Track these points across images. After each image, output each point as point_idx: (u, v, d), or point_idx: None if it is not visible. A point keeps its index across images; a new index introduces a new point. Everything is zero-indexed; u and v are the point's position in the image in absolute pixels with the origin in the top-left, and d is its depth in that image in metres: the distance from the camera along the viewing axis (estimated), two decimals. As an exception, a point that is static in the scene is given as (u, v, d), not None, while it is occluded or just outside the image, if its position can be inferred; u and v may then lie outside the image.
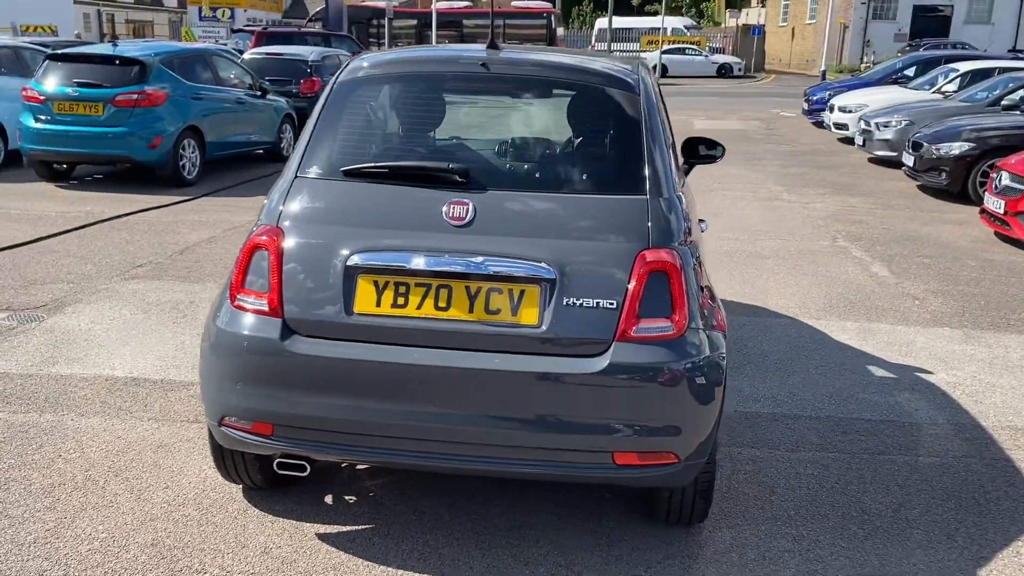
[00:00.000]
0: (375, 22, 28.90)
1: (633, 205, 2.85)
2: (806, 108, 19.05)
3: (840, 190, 11.10)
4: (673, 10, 56.86)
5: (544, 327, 2.68)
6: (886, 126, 12.93)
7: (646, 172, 2.92)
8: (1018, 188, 7.81)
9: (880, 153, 12.97)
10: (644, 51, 40.34)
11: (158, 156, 9.64)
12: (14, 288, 5.89)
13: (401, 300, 2.74)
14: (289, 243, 2.84)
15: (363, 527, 3.12)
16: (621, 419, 2.68)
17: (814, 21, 41.10)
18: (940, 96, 14.61)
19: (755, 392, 4.46)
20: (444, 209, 2.80)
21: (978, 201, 9.25)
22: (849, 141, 14.96)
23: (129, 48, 10.25)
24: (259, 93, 11.65)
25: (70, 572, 2.81)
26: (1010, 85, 12.72)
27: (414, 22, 27.71)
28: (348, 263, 2.77)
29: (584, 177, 2.97)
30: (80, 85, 9.52)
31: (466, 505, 3.27)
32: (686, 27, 45.01)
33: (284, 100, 12.33)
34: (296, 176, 3.01)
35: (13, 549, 2.92)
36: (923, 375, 4.77)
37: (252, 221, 3.02)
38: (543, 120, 3.24)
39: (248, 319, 2.81)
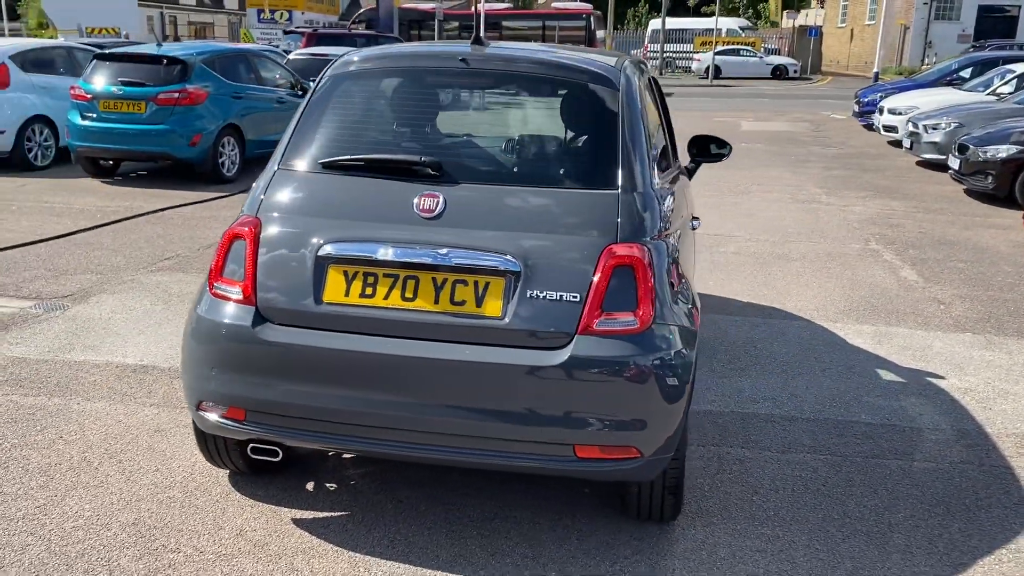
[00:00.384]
0: (424, 24, 29.17)
1: (603, 199, 2.85)
2: (856, 110, 18.68)
3: (882, 193, 10.87)
4: (730, 11, 56.27)
5: (507, 319, 2.71)
6: (935, 128, 12.62)
7: (619, 167, 2.92)
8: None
9: (928, 156, 12.66)
10: (697, 52, 39.99)
11: (198, 153, 9.89)
12: (45, 278, 6.11)
13: (369, 290, 2.78)
14: (265, 233, 2.92)
15: (339, 513, 3.18)
16: (582, 412, 2.69)
17: (873, 22, 40.23)
18: (994, 98, 14.19)
19: (755, 393, 4.41)
20: (415, 201, 2.84)
21: (1024, 206, 9.00)
22: (898, 144, 14.62)
23: (173, 48, 10.51)
24: (300, 93, 11.85)
25: (52, 547, 2.92)
26: (1067, 87, 12.32)
27: (456, 24, 27.90)
28: (319, 253, 2.83)
29: (555, 171, 2.99)
30: (124, 84, 9.82)
31: (444, 496, 3.31)
32: (741, 28, 44.45)
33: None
34: (278, 168, 3.09)
35: (1, 524, 3.04)
36: (934, 380, 4.66)
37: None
38: (519, 115, 3.27)
39: (223, 306, 2.89)
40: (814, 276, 6.77)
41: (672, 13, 52.64)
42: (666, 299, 2.83)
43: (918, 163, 13.41)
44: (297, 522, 3.11)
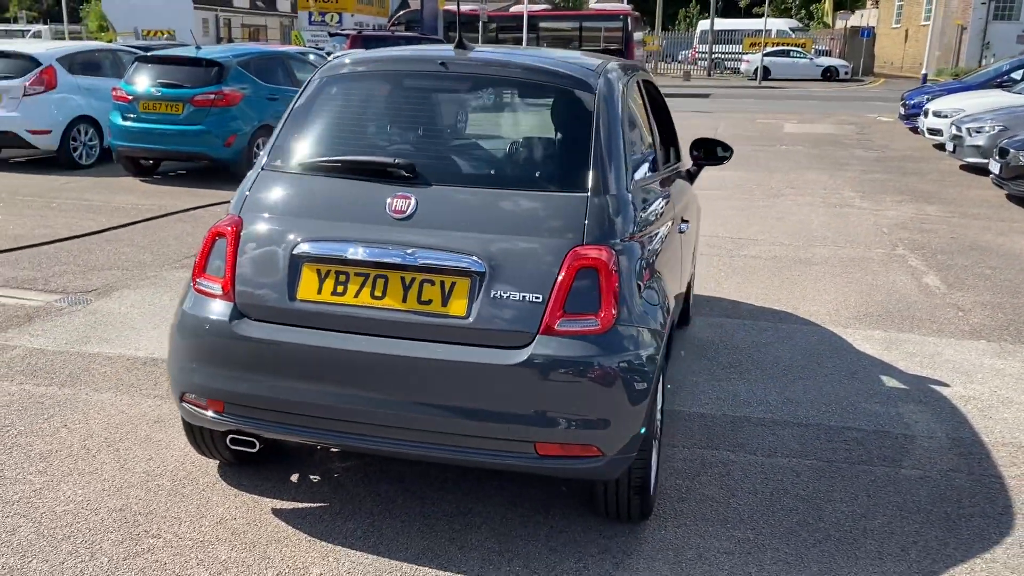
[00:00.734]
0: (466, 26, 29.31)
1: (571, 201, 2.89)
2: (903, 113, 18.31)
3: (919, 198, 10.67)
4: (782, 12, 55.49)
5: (471, 318, 2.76)
6: (978, 131, 12.33)
7: (591, 169, 2.96)
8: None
9: (971, 160, 12.39)
10: (746, 53, 39.54)
11: (233, 153, 10.13)
12: (73, 273, 6.34)
13: (340, 288, 2.87)
14: (246, 232, 3.02)
15: (318, 505, 3.27)
16: (542, 411, 2.73)
17: (929, 22, 39.35)
18: (1043, 101, 13.81)
19: (751, 397, 4.40)
20: (388, 202, 2.92)
21: (1064, 211, 8.77)
22: (943, 147, 14.32)
23: (210, 51, 10.78)
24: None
25: (40, 529, 3.05)
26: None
27: (493, 25, 28.02)
28: (294, 251, 2.92)
29: (527, 173, 3.04)
30: (163, 85, 10.10)
31: (422, 491, 3.38)
32: (792, 29, 43.82)
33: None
34: (262, 168, 3.19)
35: (-2, 506, 3.20)
36: (937, 387, 4.59)
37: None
38: (496, 118, 3.32)
39: (204, 302, 3.00)
40: (833, 281, 6.70)
41: (724, 14, 52.14)
42: (632, 301, 2.87)
43: (962, 167, 13.13)
44: (276, 512, 3.21)
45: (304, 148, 3.18)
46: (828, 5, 44.15)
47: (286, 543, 3.02)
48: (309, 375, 2.84)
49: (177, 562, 2.89)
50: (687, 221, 3.97)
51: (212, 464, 3.53)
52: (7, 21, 57.21)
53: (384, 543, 3.03)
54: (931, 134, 15.10)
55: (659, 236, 3.41)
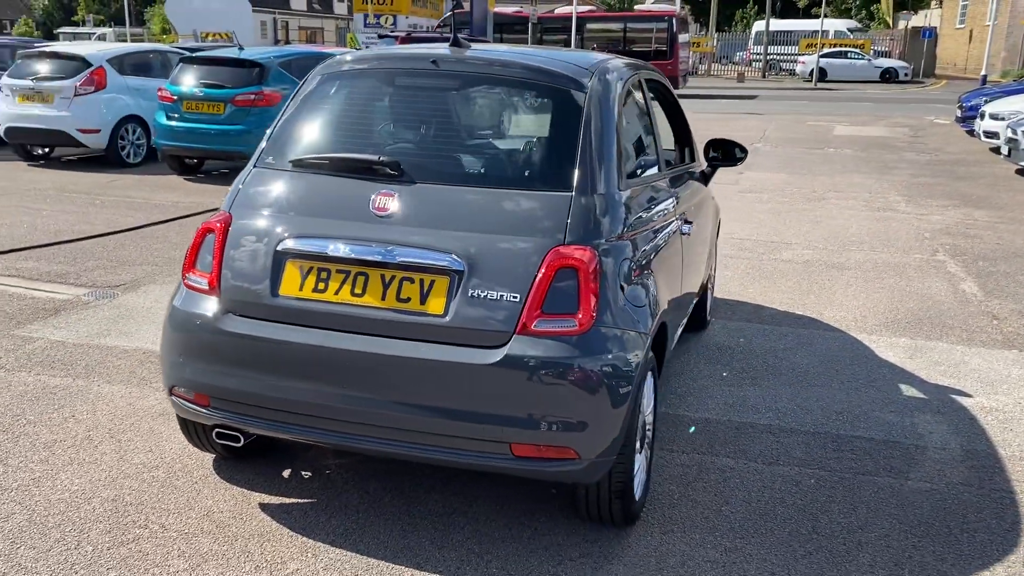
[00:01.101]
0: (515, 28, 29.35)
1: (554, 201, 2.86)
2: (959, 115, 17.80)
3: (968, 203, 10.36)
4: (842, 12, 54.41)
5: (449, 317, 2.75)
6: (1035, 134, 11.92)
7: (576, 169, 2.92)
8: None
9: (1026, 163, 11.99)
10: (802, 55, 38.87)
11: (272, 153, 10.26)
12: (104, 268, 6.50)
13: (322, 285, 2.88)
14: (234, 228, 3.05)
15: (305, 501, 3.28)
16: (518, 411, 2.70)
17: (994, 23, 38.20)
18: (1104, 103, 13.30)
19: (760, 403, 4.30)
20: (372, 199, 2.92)
21: (1114, 218, 8.40)
22: (999, 151, 13.88)
23: (252, 52, 10.96)
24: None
25: (33, 517, 3.12)
26: None
27: (540, 27, 27.98)
28: (278, 247, 2.94)
29: (511, 172, 3.01)
30: (206, 86, 10.31)
31: (410, 490, 3.37)
32: (850, 30, 42.93)
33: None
34: (255, 165, 3.23)
35: (-3, 493, 3.28)
36: (958, 397, 4.44)
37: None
38: (484, 116, 3.29)
39: (192, 297, 3.04)
40: (863, 286, 6.53)
41: (782, 15, 51.36)
42: (615, 303, 2.82)
43: (1017, 171, 12.73)
44: (263, 506, 3.24)
45: (295, 145, 3.20)
46: (887, 4, 43.10)
47: (268, 538, 3.04)
48: (289, 371, 2.86)
49: (159, 552, 2.93)
50: (690, 223, 3.89)
51: (208, 457, 3.58)
52: (76, 24, 59.06)
53: (364, 541, 3.03)
54: (987, 137, 14.64)
55: (656, 237, 3.35)
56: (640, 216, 3.23)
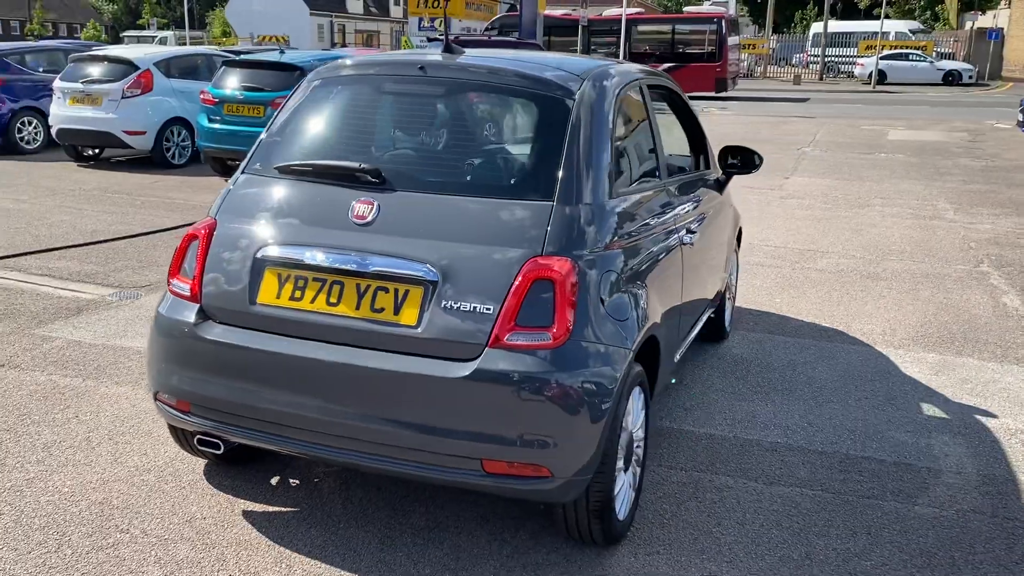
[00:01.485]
0: (564, 30, 29.25)
1: (534, 210, 2.79)
2: (1021, 119, 17.19)
3: (1021, 211, 9.97)
4: (905, 13, 53.09)
5: (421, 328, 2.70)
6: (1095, 140, 11.43)
7: (560, 178, 2.85)
8: None
9: (1086, 171, 11.50)
10: (861, 56, 38.01)
11: (309, 155, 10.36)
12: (133, 268, 6.60)
13: (298, 293, 2.85)
14: (218, 234, 3.04)
15: (288, 509, 3.26)
16: (489, 427, 2.64)
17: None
18: None
19: (769, 419, 4.16)
20: (352, 207, 2.88)
21: None
22: (1059, 157, 13.37)
23: (292, 55, 11.07)
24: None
25: (21, 519, 3.16)
26: None
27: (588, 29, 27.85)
28: (258, 255, 2.92)
29: (491, 180, 2.95)
30: (246, 89, 10.44)
31: (397, 501, 3.33)
32: (912, 31, 41.83)
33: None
34: (243, 172, 3.22)
35: (-10, 492, 3.33)
36: (982, 418, 4.24)
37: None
38: (468, 123, 3.22)
39: (174, 303, 3.04)
40: (897, 298, 6.31)
41: (844, 16, 50.28)
42: (594, 316, 2.74)
43: (1079, 178, 12.22)
44: (246, 514, 3.22)
45: (282, 151, 3.18)
46: (951, 5, 41.83)
47: (245, 546, 3.02)
48: (264, 380, 2.83)
49: (135, 558, 2.93)
50: (693, 232, 3.77)
51: (200, 462, 3.58)
52: (140, 28, 60.65)
53: (341, 553, 2.99)
54: (1048, 142, 14.12)
55: (651, 247, 3.25)
56: (632, 226, 3.13)
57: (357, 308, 2.77)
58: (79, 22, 74.19)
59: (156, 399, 3.12)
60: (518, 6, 28.27)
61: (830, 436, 4.00)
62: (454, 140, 3.17)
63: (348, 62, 3.40)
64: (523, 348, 2.63)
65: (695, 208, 4.00)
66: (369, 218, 2.85)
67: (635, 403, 3.06)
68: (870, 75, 35.13)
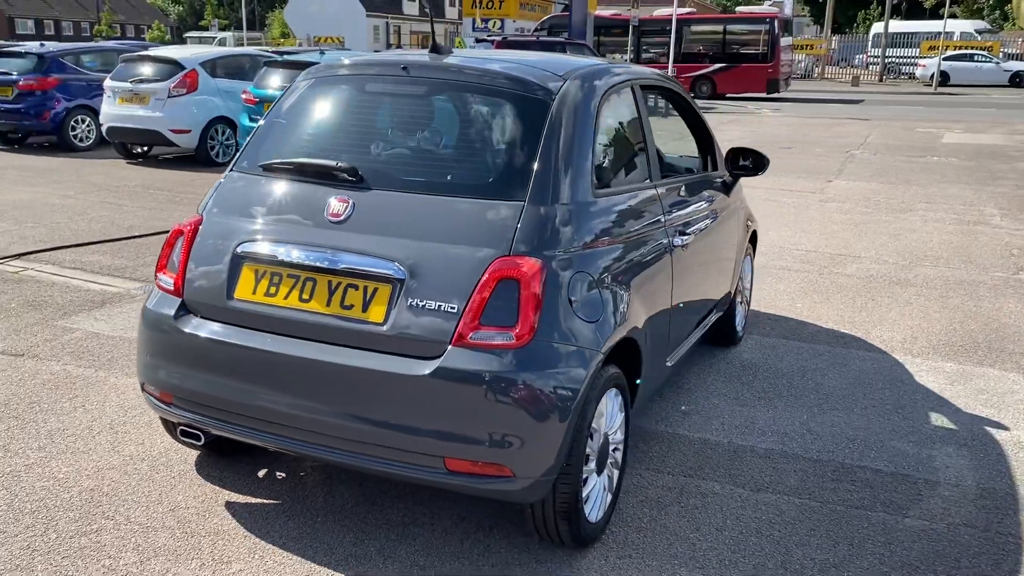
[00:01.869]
0: (612, 31, 29.10)
1: (504, 210, 2.79)
2: (1084, 122, 16.57)
3: (1075, 218, 9.62)
4: (973, 13, 51.60)
5: (387, 326, 2.72)
6: None
7: (533, 178, 2.85)
8: None
9: None
10: (923, 57, 37.05)
11: (345, 154, 10.50)
12: (161, 263, 6.77)
13: (273, 289, 2.90)
14: (202, 230, 3.11)
15: (271, 502, 3.32)
16: (451, 425, 2.65)
17: None
18: None
19: (768, 426, 4.09)
20: (328, 205, 2.92)
21: None
22: (1120, 161, 12.86)
23: (332, 55, 11.22)
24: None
25: (14, 502, 3.27)
26: None
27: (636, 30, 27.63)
28: (237, 251, 2.98)
29: (465, 180, 2.95)
30: (285, 88, 10.59)
31: (378, 497, 3.36)
32: (977, 31, 40.60)
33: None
34: (231, 170, 3.29)
35: (-11, 477, 3.45)
36: (993, 430, 4.11)
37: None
38: (446, 123, 3.22)
39: (159, 297, 3.12)
40: (924, 305, 6.14)
41: (908, 15, 49.08)
42: (561, 317, 2.73)
43: None
44: (228, 504, 3.28)
45: (268, 150, 3.24)
46: (1019, 4, 40.53)
47: (222, 536, 3.08)
48: (237, 373, 2.89)
49: (115, 544, 3.01)
50: (687, 234, 3.73)
51: (193, 453, 3.66)
52: (203, 29, 62.13)
53: (314, 546, 3.03)
54: (1110, 147, 13.59)
55: (635, 249, 3.23)
56: (613, 227, 3.12)
57: (328, 305, 2.81)
58: (146, 23, 76.28)
59: (143, 390, 3.21)
60: (568, 6, 28.21)
61: (828, 444, 3.92)
62: (432, 140, 3.19)
63: (341, 61, 3.45)
64: (486, 347, 2.64)
65: (693, 210, 3.96)
66: (343, 216, 2.89)
67: (610, 405, 3.04)
68: (932, 76, 34.22)
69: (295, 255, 2.88)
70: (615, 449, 3.17)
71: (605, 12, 31.71)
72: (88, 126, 13.46)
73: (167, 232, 7.77)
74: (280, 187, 3.09)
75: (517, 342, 2.64)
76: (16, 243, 7.35)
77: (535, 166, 2.87)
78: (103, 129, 12.32)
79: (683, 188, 3.96)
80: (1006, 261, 7.57)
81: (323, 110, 3.33)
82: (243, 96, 11.03)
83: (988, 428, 4.14)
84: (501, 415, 2.63)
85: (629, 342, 3.11)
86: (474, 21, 41.33)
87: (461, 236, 2.77)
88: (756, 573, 2.94)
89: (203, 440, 3.17)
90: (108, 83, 12.16)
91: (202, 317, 3.01)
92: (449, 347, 2.66)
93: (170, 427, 3.44)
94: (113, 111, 12.01)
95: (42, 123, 13.07)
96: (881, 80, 38.82)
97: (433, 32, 3.34)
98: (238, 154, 3.33)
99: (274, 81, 10.80)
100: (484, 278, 2.67)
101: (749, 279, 5.42)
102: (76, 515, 3.19)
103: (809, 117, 22.47)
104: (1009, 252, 7.93)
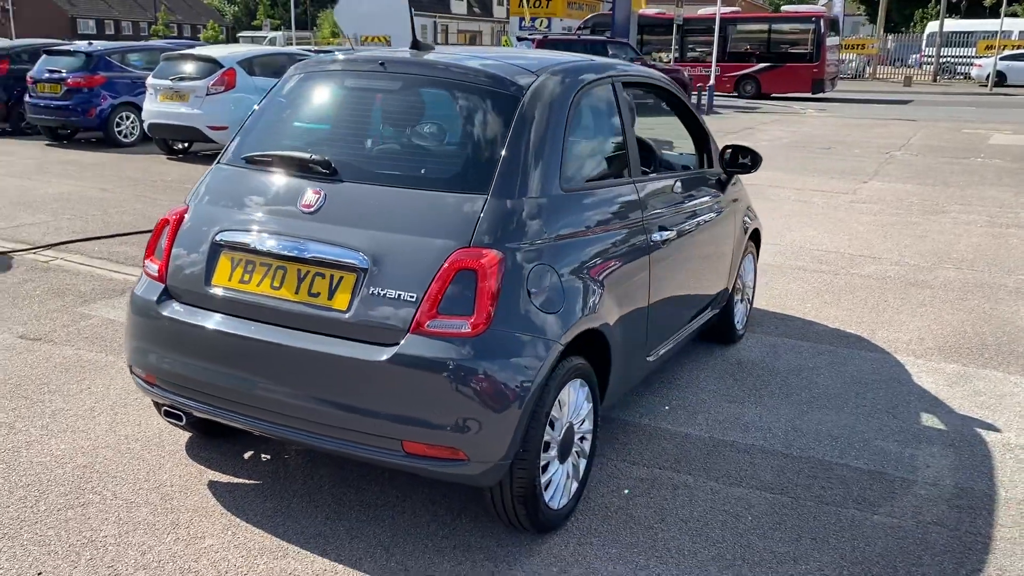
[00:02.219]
0: (656, 29, 28.95)
1: (468, 203, 2.87)
2: None
3: (1112, 220, 9.37)
4: (1034, 11, 50.08)
5: (350, 313, 2.82)
6: None
7: (496, 171, 2.92)
8: None
9: None
10: (980, 57, 36.16)
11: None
12: (184, 255, 6.98)
13: (247, 276, 3.02)
14: (187, 219, 3.25)
15: (252, 482, 3.44)
16: (408, 409, 2.74)
17: None
18: None
19: (753, 422, 4.11)
20: (302, 196, 3.03)
21: None
22: None
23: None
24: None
25: (10, 476, 3.44)
26: None
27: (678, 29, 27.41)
28: (216, 239, 3.11)
29: (434, 174, 3.04)
30: (317, 86, 10.81)
31: (355, 480, 3.46)
32: (1037, 30, 39.49)
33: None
34: (218, 162, 3.42)
35: (-8, 452, 3.64)
36: (983, 431, 4.07)
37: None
38: (419, 117, 3.30)
39: (145, 282, 3.26)
40: (938, 307, 6.07)
41: (968, 14, 47.87)
42: (519, 307, 2.80)
43: None
44: (211, 484, 3.42)
45: (250, 143, 3.36)
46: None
47: (200, 513, 3.21)
48: (212, 357, 3.01)
49: (99, 518, 3.16)
50: (667, 229, 3.76)
51: (186, 434, 3.80)
52: (255, 29, 63.29)
53: (286, 524, 3.14)
54: None
55: (608, 243, 3.28)
56: (582, 221, 3.17)
57: (296, 292, 2.92)
58: (202, 23, 77.93)
59: (131, 372, 3.35)
60: (611, 5, 28.15)
61: (810, 441, 3.92)
62: (404, 134, 3.28)
63: (316, 59, 3.57)
64: (442, 335, 2.72)
65: (678, 206, 3.99)
66: (315, 207, 2.99)
67: (575, 395, 3.10)
68: (988, 76, 33.38)
69: (268, 244, 2.99)
70: (582, 439, 3.23)
71: (650, 11, 31.55)
72: (132, 122, 13.87)
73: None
74: (260, 179, 3.21)
75: (472, 331, 2.72)
76: (50, 234, 7.64)
77: (501, 160, 2.95)
78: (145, 126, 12.68)
79: (668, 185, 3.99)
80: (1032, 265, 7.42)
81: (305, 104, 3.45)
82: (277, 94, 11.25)
83: (979, 429, 4.10)
84: (455, 401, 2.71)
85: (595, 334, 3.17)
86: (521, 20, 41.44)
87: (425, 228, 2.86)
88: (711, 563, 2.98)
89: (184, 420, 3.30)
90: (150, 81, 12.51)
91: (182, 303, 3.14)
92: (407, 334, 2.74)
93: (158, 408, 3.59)
94: (154, 108, 12.36)
95: (88, 119, 13.50)
96: (935, 80, 37.99)
97: (413, 28, 3.43)
98: (226, 147, 3.46)
99: (307, 79, 10.99)
100: (443, 268, 2.75)
101: (751, 277, 5.42)
102: (66, 489, 3.35)
103: (853, 118, 22.13)
104: (1038, 255, 7.76)
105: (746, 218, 5.03)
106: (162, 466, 3.55)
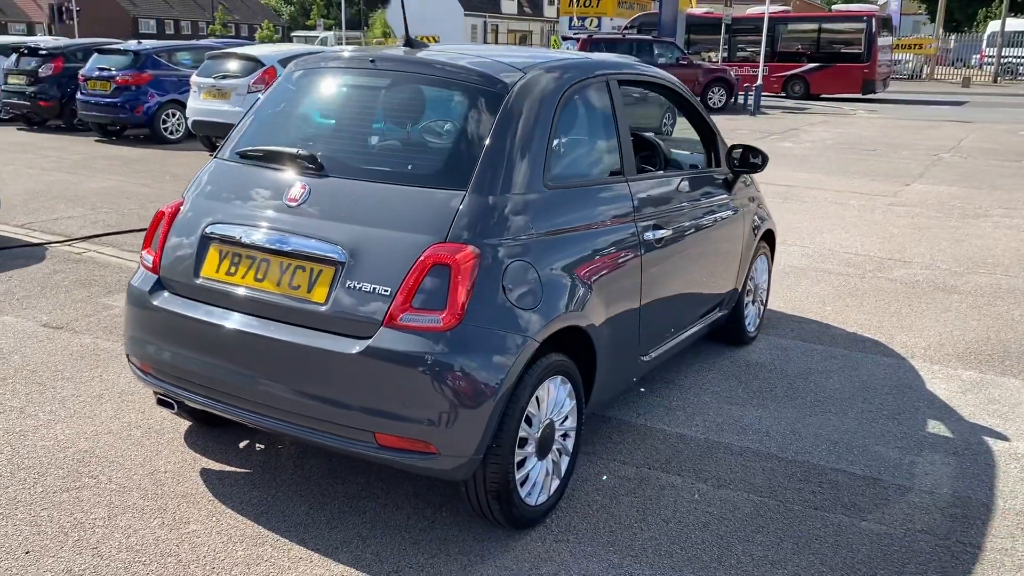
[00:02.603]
0: (704, 29, 28.64)
1: (446, 199, 2.89)
2: None
3: None
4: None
5: (327, 306, 2.86)
6: None
7: (479, 169, 2.94)
8: None
9: None
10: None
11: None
12: (211, 249, 7.13)
13: (233, 269, 3.08)
14: (181, 213, 3.33)
15: (242, 471, 3.51)
16: (381, 402, 2.77)
17: None
18: None
19: (752, 425, 4.06)
20: (288, 190, 3.09)
21: None
22: None
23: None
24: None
25: (14, 458, 3.56)
26: None
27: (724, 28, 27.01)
28: (205, 232, 3.18)
29: (416, 169, 3.06)
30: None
31: (341, 472, 3.51)
32: (1104, 30, 38.14)
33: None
34: (214, 157, 3.49)
35: None
36: (991, 440, 3.96)
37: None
38: (405, 114, 3.32)
39: (140, 273, 3.35)
40: (964, 312, 5.91)
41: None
42: (494, 303, 2.81)
43: None
44: (203, 471, 3.49)
45: (244, 139, 3.43)
46: None
47: (187, 498, 3.28)
48: (198, 347, 3.08)
49: (92, 500, 3.25)
50: (662, 227, 3.73)
51: (186, 423, 3.89)
52: (309, 28, 64.26)
53: (269, 513, 3.20)
54: None
55: (595, 241, 3.27)
56: (566, 219, 3.17)
57: (279, 284, 2.97)
58: (259, 23, 79.34)
59: (128, 360, 3.45)
60: (658, 4, 27.94)
61: (808, 445, 3.86)
62: (389, 130, 3.32)
63: (313, 56, 3.62)
64: (415, 329, 2.75)
65: (676, 205, 3.96)
66: (299, 201, 3.04)
67: (555, 392, 3.10)
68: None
69: (254, 237, 3.05)
70: (564, 436, 3.23)
71: (698, 11, 31.22)
72: (178, 119, 14.19)
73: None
74: (251, 173, 3.27)
75: (444, 326, 2.74)
76: (86, 227, 7.87)
77: (482, 157, 2.96)
78: (189, 123, 12.96)
79: (667, 184, 3.97)
80: (1072, 270, 7.18)
81: (298, 100, 3.50)
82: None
83: (986, 438, 3.99)
84: (426, 394, 2.73)
85: (578, 332, 3.16)
86: (571, 19, 41.38)
87: (404, 223, 2.89)
88: (687, 565, 2.95)
89: (176, 408, 3.38)
90: (194, 79, 12.79)
91: (173, 293, 3.22)
92: (381, 328, 2.78)
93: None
94: (198, 105, 12.63)
95: (136, 116, 13.85)
96: (995, 81, 36.95)
97: (406, 25, 3.46)
98: (222, 143, 3.53)
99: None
100: (418, 262, 2.78)
101: (764, 279, 5.34)
102: (64, 472, 3.45)
103: (905, 119, 21.64)
104: (1079, 261, 7.51)
105: (757, 218, 4.96)
106: (159, 453, 3.64)
